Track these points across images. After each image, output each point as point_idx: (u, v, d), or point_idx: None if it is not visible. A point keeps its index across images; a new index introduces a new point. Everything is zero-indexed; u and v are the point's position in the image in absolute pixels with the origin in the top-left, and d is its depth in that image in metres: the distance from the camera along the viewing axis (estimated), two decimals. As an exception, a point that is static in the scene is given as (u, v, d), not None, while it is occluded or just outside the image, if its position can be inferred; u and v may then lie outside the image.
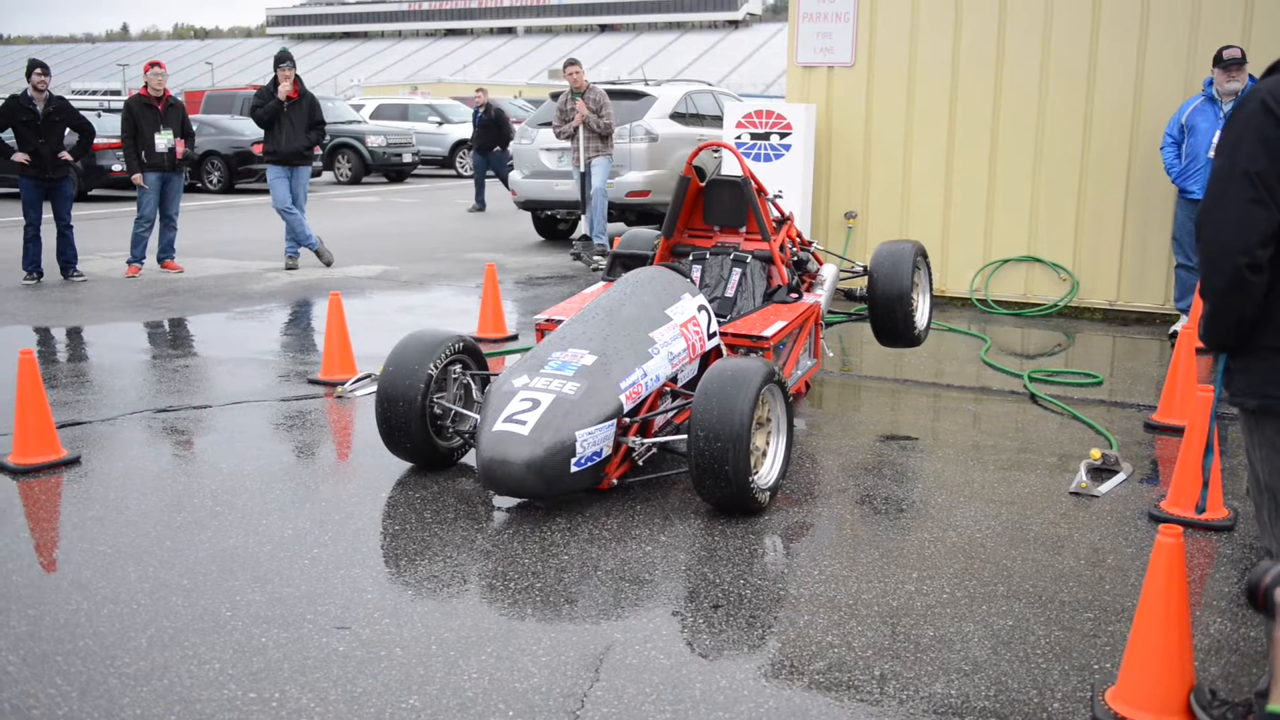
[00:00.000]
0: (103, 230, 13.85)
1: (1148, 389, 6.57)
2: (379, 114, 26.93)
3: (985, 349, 7.50)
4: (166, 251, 10.90)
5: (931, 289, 6.70)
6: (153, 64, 10.88)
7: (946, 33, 9.09)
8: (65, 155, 10.08)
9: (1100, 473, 4.89)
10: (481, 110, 18.08)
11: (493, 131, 17.77)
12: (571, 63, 11.52)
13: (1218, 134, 7.36)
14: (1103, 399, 6.34)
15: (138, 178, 10.59)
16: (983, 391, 6.57)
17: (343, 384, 6.29)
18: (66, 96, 12.62)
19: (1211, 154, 7.38)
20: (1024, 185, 8.96)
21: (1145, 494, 4.72)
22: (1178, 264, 7.95)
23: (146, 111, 10.60)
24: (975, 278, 9.18)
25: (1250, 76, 7.47)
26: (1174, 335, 7.73)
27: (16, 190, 10.41)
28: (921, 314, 6.49)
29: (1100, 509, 4.53)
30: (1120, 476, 4.86)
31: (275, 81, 10.74)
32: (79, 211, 11.52)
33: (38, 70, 10.24)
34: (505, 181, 15.64)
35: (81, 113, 10.86)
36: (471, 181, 18.96)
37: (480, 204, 17.92)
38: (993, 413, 6.15)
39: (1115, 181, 8.65)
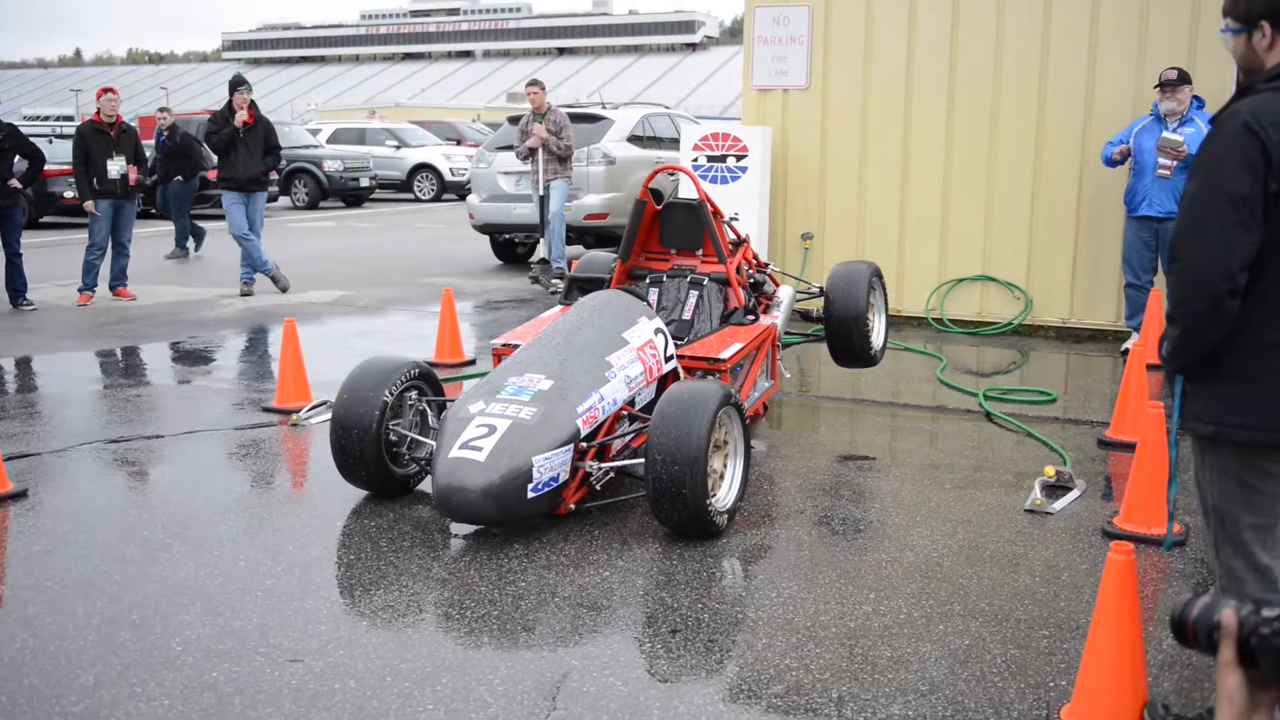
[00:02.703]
0: (54, 258, 13.66)
1: (1101, 406, 6.64)
2: (336, 138, 26.81)
3: (941, 368, 7.55)
4: (119, 279, 10.76)
5: (887, 309, 6.75)
6: (105, 90, 10.78)
7: (900, 55, 9.19)
8: (14, 183, 9.93)
9: (1055, 490, 4.93)
10: (165, 134, 14.77)
11: (177, 160, 14.33)
12: (533, 83, 11.53)
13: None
14: (1057, 416, 6.40)
15: (89, 205, 10.46)
16: (939, 410, 6.62)
17: (298, 412, 6.23)
18: (17, 123, 12.47)
19: (1162, 174, 7.51)
20: (978, 205, 9.06)
21: (1099, 510, 4.76)
22: (1127, 283, 8.06)
23: (98, 138, 10.49)
24: (930, 297, 9.26)
25: (1195, 98, 7.61)
26: (1125, 352, 7.83)
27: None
28: (878, 334, 6.52)
29: (1055, 526, 4.56)
30: (1074, 493, 4.91)
31: (230, 107, 10.67)
32: (29, 239, 11.35)
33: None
34: (174, 218, 14.20)
35: (32, 139, 10.72)
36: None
37: (182, 247, 14.31)
38: (949, 431, 6.19)
39: (1067, 201, 8.77)
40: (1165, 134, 7.41)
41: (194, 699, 3.11)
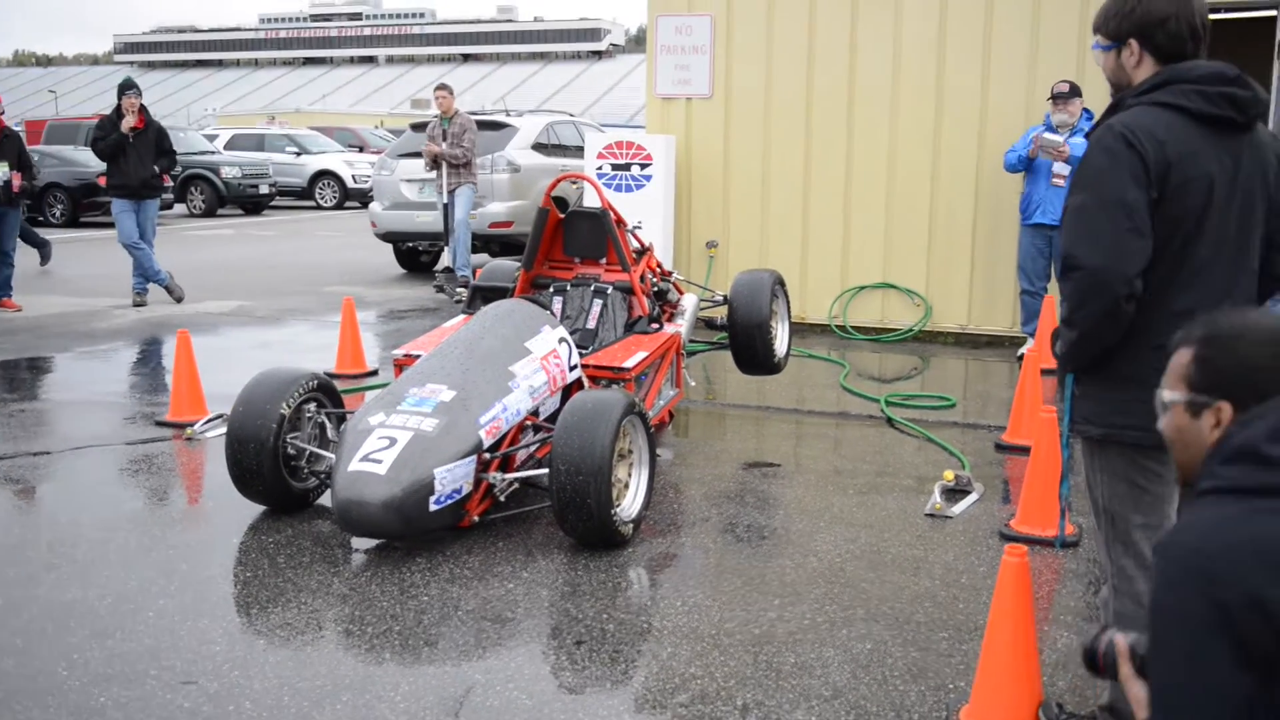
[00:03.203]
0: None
1: (998, 410, 6.80)
2: (234, 144, 26.22)
3: (844, 374, 7.66)
4: (3, 289, 10.35)
5: (790, 316, 6.82)
6: (-14, 93, 10.38)
7: (800, 65, 9.32)
8: None
9: (954, 494, 5.03)
10: None
11: None
12: (440, 87, 11.42)
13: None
14: (956, 421, 6.54)
15: None
16: (842, 416, 6.70)
17: (193, 425, 6.05)
18: None
19: (1057, 182, 7.72)
20: (878, 214, 9.22)
21: (997, 513, 4.86)
22: (1022, 290, 8.27)
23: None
24: (833, 304, 9.39)
25: (1085, 110, 7.85)
26: (1021, 358, 8.03)
27: None
28: (781, 341, 6.59)
29: (954, 529, 4.65)
30: (973, 497, 5.01)
31: (119, 110, 10.35)
32: (-94, 248, 10.87)
33: None
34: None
35: None
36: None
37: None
38: (852, 437, 6.28)
39: (963, 209, 8.97)
40: (1045, 134, 7.62)
41: (80, 726, 2.99)
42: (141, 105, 10.42)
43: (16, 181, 10.25)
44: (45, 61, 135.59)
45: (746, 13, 9.48)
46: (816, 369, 8.03)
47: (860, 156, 9.22)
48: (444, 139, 11.11)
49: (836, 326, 9.32)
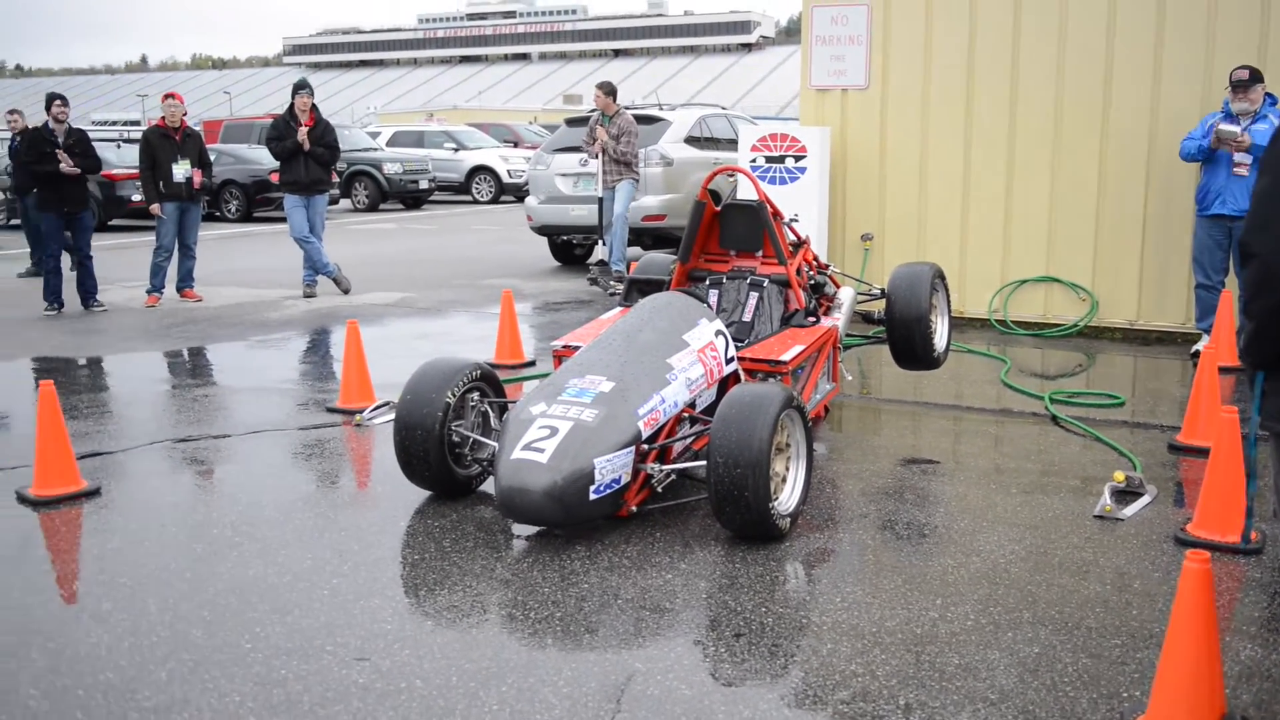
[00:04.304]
0: (123, 260, 13.95)
1: (1171, 409, 6.51)
2: (395, 141, 27.12)
3: (1005, 370, 7.45)
4: (185, 281, 10.96)
5: (950, 310, 6.67)
6: (169, 95, 10.98)
7: (961, 53, 9.09)
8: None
9: (1125, 495, 4.84)
10: (17, 139, 12.37)
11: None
12: (598, 86, 11.54)
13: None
14: (1125, 420, 6.28)
15: (155, 208, 10.67)
16: (1003, 414, 6.53)
17: (361, 412, 6.29)
18: (86, 128, 12.74)
19: (1239, 171, 7.35)
20: (1041, 204, 8.93)
21: (1171, 517, 4.66)
22: (1197, 284, 7.90)
23: (164, 142, 10.69)
24: (994, 298, 9.14)
25: (1269, 95, 7.44)
26: (1196, 355, 7.67)
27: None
28: (940, 336, 6.45)
29: (1125, 533, 4.48)
30: (1145, 499, 4.81)
31: (292, 111, 10.81)
32: (99, 242, 11.61)
33: (57, 102, 10.38)
34: (29, 232, 12.58)
35: (97, 144, 10.94)
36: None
37: (37, 265, 12.51)
38: (1014, 435, 6.10)
39: (1133, 200, 8.61)
40: (1222, 125, 7.25)
41: (264, 695, 3.15)
42: (313, 104, 10.87)
43: (197, 179, 10.81)
44: (220, 64, 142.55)
45: (904, 2, 9.30)
46: (976, 364, 7.83)
47: (1023, 145, 8.95)
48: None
49: (997, 321, 9.07)
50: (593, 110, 11.78)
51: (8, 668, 3.33)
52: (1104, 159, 8.67)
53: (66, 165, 10.04)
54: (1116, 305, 8.79)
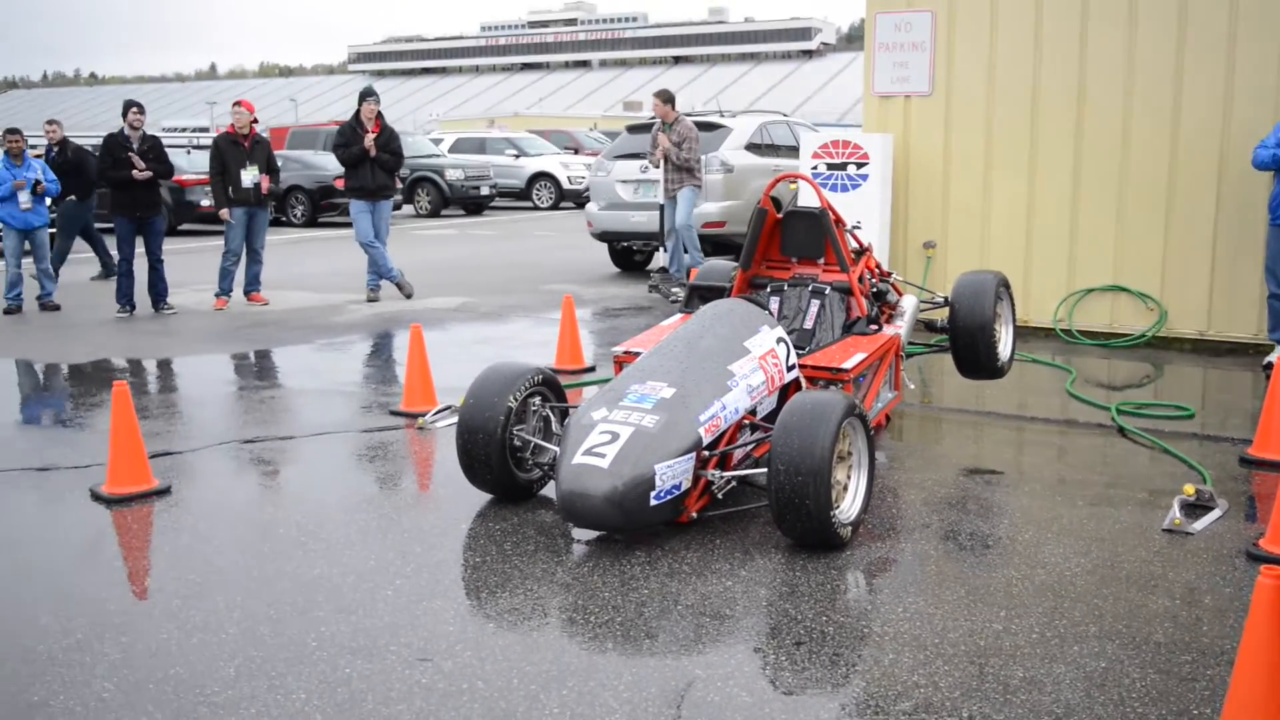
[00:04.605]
0: (192, 264, 14.23)
1: (1242, 422, 6.37)
2: (457, 148, 27.37)
3: (1071, 380, 7.34)
4: (252, 284, 11.16)
5: (1014, 319, 6.59)
6: (238, 103, 11.20)
7: (1026, 59, 8.99)
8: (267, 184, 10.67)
9: (1194, 509, 4.75)
10: (55, 149, 12.86)
11: (69, 178, 12.42)
12: (656, 94, 11.54)
13: None
14: (1195, 432, 6.16)
15: (224, 213, 10.87)
16: (1068, 424, 6.43)
17: (423, 415, 6.35)
18: (158, 134, 13.02)
19: None
20: (1108, 212, 8.79)
21: (1242, 531, 4.56)
22: (1270, 294, 7.73)
23: (233, 148, 10.89)
24: (1059, 307, 9.01)
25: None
26: (1269, 367, 7.51)
27: (112, 225, 10.75)
28: (1005, 345, 6.38)
29: (1195, 547, 4.39)
30: (1215, 513, 4.71)
31: (358, 117, 10.96)
32: (169, 246, 11.85)
33: (134, 109, 10.62)
34: (90, 241, 12.87)
35: (169, 149, 11.19)
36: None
37: (106, 269, 13.17)
38: (1079, 446, 6.01)
39: (1203, 208, 8.44)
40: None
41: (329, 694, 3.19)
42: (379, 112, 11.01)
43: (265, 184, 11.00)
44: (286, 72, 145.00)
45: (970, 8, 9.22)
46: (1040, 374, 7.73)
47: (1090, 152, 8.82)
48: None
49: (1061, 330, 8.94)
50: (653, 118, 11.80)
51: (83, 660, 3.42)
52: (1174, 165, 8.52)
53: (139, 171, 10.26)
54: (1186, 315, 8.62)
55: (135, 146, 10.41)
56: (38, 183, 10.81)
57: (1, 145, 10.74)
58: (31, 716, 3.09)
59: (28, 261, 11.07)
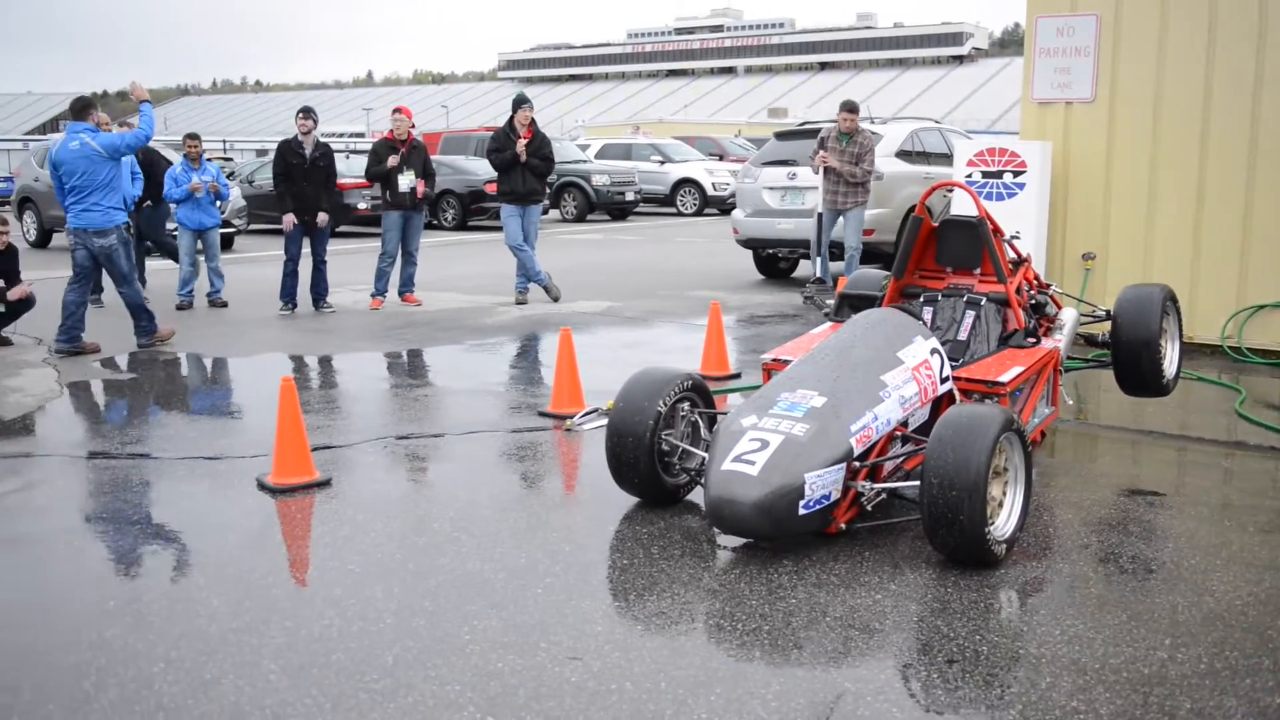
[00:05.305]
0: (349, 265, 14.75)
1: None
2: (603, 154, 27.69)
3: (1240, 400, 7.00)
4: (407, 285, 11.50)
5: (1181, 335, 6.32)
6: (397, 110, 11.56)
7: (1198, 64, 8.61)
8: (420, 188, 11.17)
9: (1379, 540, 4.47)
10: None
11: (145, 182, 11.58)
12: (843, 105, 11.38)
13: None
14: (1378, 459, 5.81)
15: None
16: (1237, 446, 6.13)
17: (571, 417, 6.45)
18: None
19: None
20: (1285, 225, 8.35)
21: None
22: None
23: (391, 153, 11.24)
24: (1227, 324, 8.60)
25: None
26: None
27: (279, 227, 11.23)
28: (1170, 362, 6.12)
29: (1380, 581, 4.14)
30: (1403, 546, 4.43)
31: (512, 124, 11.19)
32: (328, 247, 12.30)
33: (301, 115, 11.06)
34: (163, 250, 12.04)
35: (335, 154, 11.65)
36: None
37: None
38: (1249, 470, 5.73)
39: (1392, 222, 7.95)
40: None
41: (482, 686, 3.27)
42: (531, 118, 11.23)
43: (420, 189, 11.33)
44: (439, 79, 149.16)
45: (1138, 11, 8.88)
46: (1205, 393, 7.39)
47: (1264, 161, 8.39)
48: (839, 156, 11.11)
49: (1230, 348, 8.53)
50: (803, 123, 11.69)
51: (251, 643, 3.58)
52: (1359, 177, 8.05)
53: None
54: (1369, 335, 8.13)
55: (307, 152, 10.86)
56: (212, 184, 11.38)
57: (181, 149, 11.32)
58: (206, 692, 3.25)
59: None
